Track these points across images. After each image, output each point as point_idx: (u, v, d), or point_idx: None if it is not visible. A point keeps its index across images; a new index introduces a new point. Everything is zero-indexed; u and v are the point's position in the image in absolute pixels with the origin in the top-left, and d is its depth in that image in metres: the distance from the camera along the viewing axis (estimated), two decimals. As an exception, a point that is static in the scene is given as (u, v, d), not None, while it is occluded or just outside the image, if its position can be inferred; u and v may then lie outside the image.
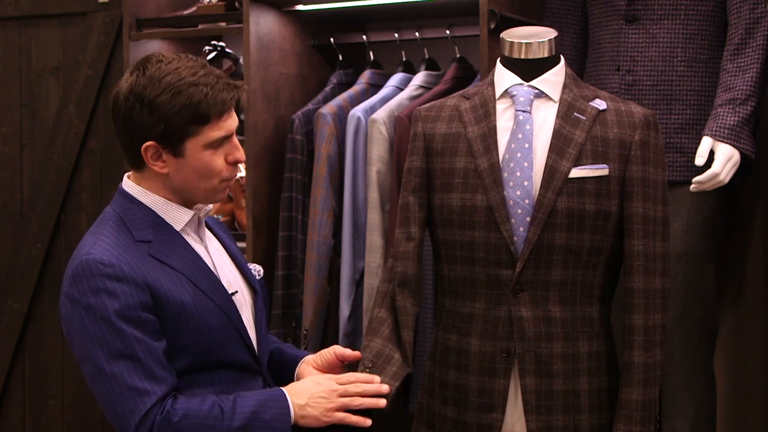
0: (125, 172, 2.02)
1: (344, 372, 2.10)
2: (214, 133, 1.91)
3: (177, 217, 1.97)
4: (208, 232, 2.08)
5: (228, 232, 2.19)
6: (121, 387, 1.83)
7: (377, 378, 2.04)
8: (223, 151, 1.94)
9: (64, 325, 1.91)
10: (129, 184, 1.98)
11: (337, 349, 2.10)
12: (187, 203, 1.99)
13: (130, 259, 1.87)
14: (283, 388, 1.95)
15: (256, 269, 2.15)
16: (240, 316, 2.00)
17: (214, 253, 2.04)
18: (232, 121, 1.94)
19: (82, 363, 1.87)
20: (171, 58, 1.93)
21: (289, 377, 2.11)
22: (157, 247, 1.92)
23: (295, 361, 2.13)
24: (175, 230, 1.97)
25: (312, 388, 1.97)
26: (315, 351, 2.95)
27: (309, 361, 2.11)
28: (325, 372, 2.09)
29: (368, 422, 1.99)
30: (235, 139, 1.97)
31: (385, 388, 2.02)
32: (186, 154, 1.91)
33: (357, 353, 2.11)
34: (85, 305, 1.84)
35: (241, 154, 1.97)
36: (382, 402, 2.00)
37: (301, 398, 1.94)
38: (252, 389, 1.99)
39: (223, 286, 1.99)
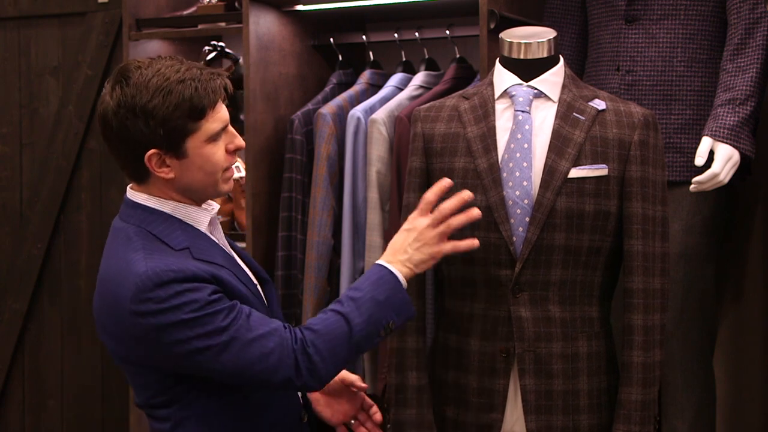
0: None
1: (351, 397, 2.12)
2: (212, 125, 1.89)
3: (198, 218, 1.96)
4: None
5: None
6: (246, 344, 1.82)
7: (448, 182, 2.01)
8: (223, 142, 1.93)
9: (140, 343, 1.84)
10: (141, 196, 1.94)
11: (354, 379, 2.10)
12: (197, 203, 1.98)
13: (186, 263, 1.85)
14: (380, 261, 1.96)
15: None
16: (267, 306, 2.02)
17: (230, 250, 2.05)
18: (224, 112, 1.93)
19: (194, 358, 1.83)
20: (148, 62, 1.90)
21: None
22: (197, 250, 1.91)
23: None
24: (202, 231, 1.96)
25: (406, 238, 1.97)
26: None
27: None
28: (331, 399, 2.11)
29: (476, 242, 2.00)
30: (231, 128, 1.96)
31: (467, 194, 1.99)
32: (189, 153, 1.89)
33: (357, 379, 2.11)
34: (172, 308, 1.81)
35: (240, 141, 1.96)
36: (476, 212, 1.99)
37: (404, 252, 1.96)
38: None
39: (252, 279, 2.01)
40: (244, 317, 1.85)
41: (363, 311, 1.89)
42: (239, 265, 2.00)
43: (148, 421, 1.98)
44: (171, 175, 1.90)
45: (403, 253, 1.97)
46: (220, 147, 1.92)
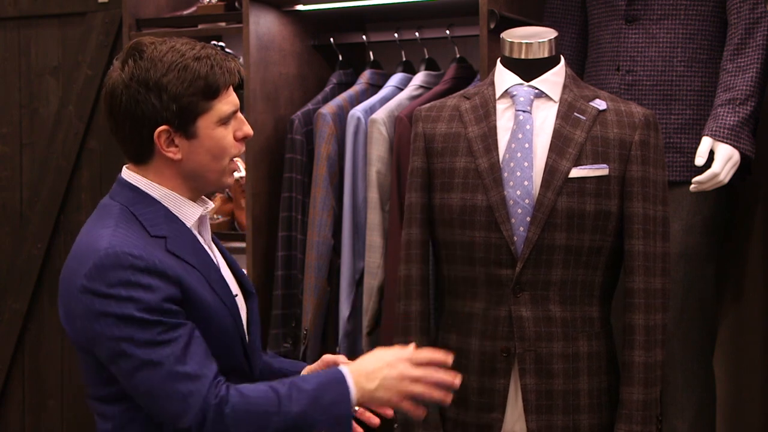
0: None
1: None
2: (225, 107, 1.85)
3: (187, 212, 1.89)
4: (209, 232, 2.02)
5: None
6: (169, 374, 1.72)
7: (449, 358, 1.86)
8: (232, 128, 1.88)
9: (81, 323, 1.78)
10: (134, 176, 1.87)
11: (340, 359, 2.01)
12: (194, 195, 1.91)
13: (154, 252, 1.77)
14: (345, 369, 1.83)
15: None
16: (241, 319, 1.94)
17: (216, 253, 1.98)
18: (235, 96, 1.88)
19: (116, 360, 1.74)
20: (162, 40, 1.85)
21: None
22: (173, 242, 1.83)
23: (295, 374, 2.03)
24: (187, 227, 1.88)
25: (383, 370, 1.82)
26: (315, 351, 2.98)
27: (311, 370, 2.04)
28: None
29: (423, 414, 1.85)
30: (240, 115, 1.90)
31: (458, 381, 1.84)
32: (199, 134, 1.83)
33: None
34: (117, 298, 1.73)
35: (248, 128, 1.90)
36: (449, 399, 1.84)
37: (373, 381, 1.81)
38: None
39: (229, 287, 1.92)
40: (182, 345, 1.74)
41: (300, 403, 1.77)
42: (218, 270, 1.90)
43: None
44: (178, 156, 1.84)
45: (373, 381, 1.81)
46: (230, 132, 1.87)
